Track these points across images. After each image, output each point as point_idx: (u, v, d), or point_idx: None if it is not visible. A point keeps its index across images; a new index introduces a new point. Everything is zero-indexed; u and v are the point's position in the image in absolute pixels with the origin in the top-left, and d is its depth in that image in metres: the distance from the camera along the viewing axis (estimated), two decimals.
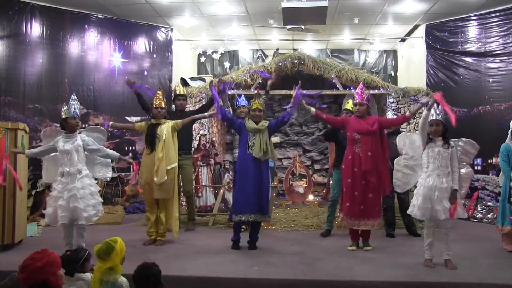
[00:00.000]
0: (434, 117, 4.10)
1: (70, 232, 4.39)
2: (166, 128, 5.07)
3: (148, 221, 5.16)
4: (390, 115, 6.06)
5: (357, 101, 4.80)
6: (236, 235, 4.90)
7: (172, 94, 5.93)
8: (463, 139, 4.28)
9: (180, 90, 6.07)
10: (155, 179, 4.91)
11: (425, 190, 4.03)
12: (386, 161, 4.77)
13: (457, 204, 3.99)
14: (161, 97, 5.16)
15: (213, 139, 7.58)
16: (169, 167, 4.99)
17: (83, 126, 6.67)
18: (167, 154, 5.00)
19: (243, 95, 6.07)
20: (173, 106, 6.23)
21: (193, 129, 6.53)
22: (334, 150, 6.08)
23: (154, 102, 5.12)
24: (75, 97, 4.58)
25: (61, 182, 4.36)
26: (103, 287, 2.75)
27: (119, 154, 4.84)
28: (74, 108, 4.46)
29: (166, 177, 4.92)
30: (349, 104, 5.69)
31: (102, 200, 4.60)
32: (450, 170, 4.06)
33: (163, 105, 5.13)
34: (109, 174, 4.82)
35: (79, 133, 4.53)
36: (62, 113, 4.49)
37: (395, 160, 4.49)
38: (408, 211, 4.26)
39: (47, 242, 4.53)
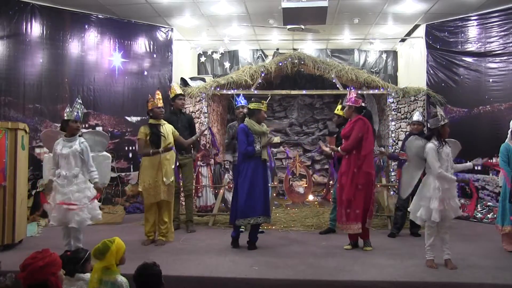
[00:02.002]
0: (447, 121, 4.18)
1: (68, 232, 4.38)
2: (167, 129, 5.15)
3: (146, 222, 5.18)
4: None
5: (343, 104, 5.00)
6: (236, 231, 4.89)
7: (170, 94, 5.92)
8: (451, 139, 4.38)
9: (179, 89, 6.05)
10: (164, 179, 4.94)
11: (441, 193, 4.01)
12: (361, 164, 4.74)
13: None
14: (160, 96, 5.17)
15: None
16: (173, 166, 5.09)
17: (84, 126, 6.71)
18: (171, 154, 5.07)
19: (241, 95, 6.07)
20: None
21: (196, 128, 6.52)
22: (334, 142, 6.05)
23: (155, 102, 5.12)
24: (80, 101, 4.56)
25: (57, 183, 4.36)
26: (103, 287, 2.75)
27: (97, 178, 4.43)
28: (77, 112, 4.42)
29: (173, 177, 5.00)
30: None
31: (100, 204, 4.55)
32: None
33: (162, 104, 5.17)
34: (106, 181, 4.77)
35: (80, 136, 4.50)
36: (65, 115, 4.47)
37: (403, 166, 4.48)
38: (429, 217, 4.08)
39: (47, 242, 4.53)
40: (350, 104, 4.86)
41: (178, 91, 5.98)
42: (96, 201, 4.44)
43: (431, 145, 4.10)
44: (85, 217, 4.24)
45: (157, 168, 4.98)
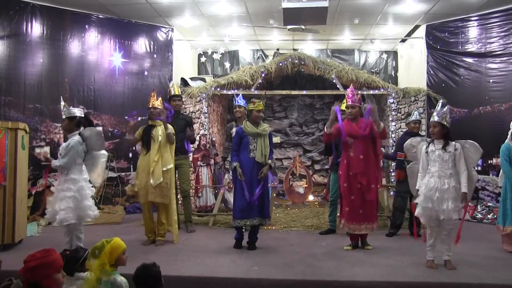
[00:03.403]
0: (435, 119, 4.10)
1: (68, 231, 4.37)
2: (162, 130, 5.06)
3: (144, 222, 5.17)
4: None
5: (349, 103, 4.85)
6: (239, 233, 4.89)
7: (168, 95, 5.93)
8: (469, 141, 4.19)
9: (175, 90, 5.95)
10: (151, 181, 4.92)
11: (426, 190, 4.05)
12: (378, 164, 4.83)
13: (466, 208, 4.06)
14: (154, 97, 5.13)
15: (213, 139, 7.58)
16: (164, 169, 4.99)
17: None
18: (162, 156, 5.01)
19: (241, 95, 6.05)
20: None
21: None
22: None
23: (148, 103, 5.13)
24: (63, 102, 4.49)
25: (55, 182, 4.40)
26: (103, 286, 2.74)
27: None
28: (62, 113, 4.43)
29: (162, 179, 4.93)
30: (344, 105, 5.70)
31: (90, 204, 4.30)
32: (452, 171, 4.05)
33: (156, 105, 5.10)
34: (98, 181, 4.68)
35: (79, 134, 4.50)
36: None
37: (408, 167, 4.48)
38: (415, 213, 4.21)
39: (47, 241, 4.53)
40: (359, 105, 4.84)
41: (174, 92, 5.88)
42: (88, 201, 4.29)
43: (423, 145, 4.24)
44: (66, 216, 4.09)
45: (147, 170, 4.97)
